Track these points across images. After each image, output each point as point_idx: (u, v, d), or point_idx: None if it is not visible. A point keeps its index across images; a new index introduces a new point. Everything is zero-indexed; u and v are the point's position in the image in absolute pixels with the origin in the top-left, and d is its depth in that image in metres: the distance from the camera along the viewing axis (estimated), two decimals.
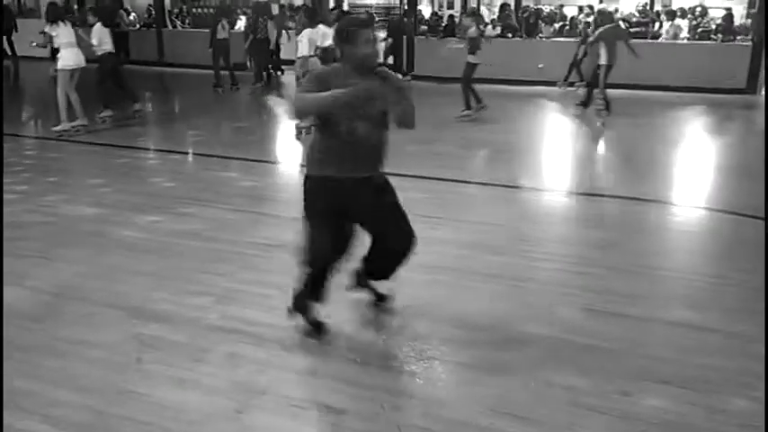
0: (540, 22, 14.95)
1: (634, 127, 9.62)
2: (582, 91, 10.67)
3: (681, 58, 12.45)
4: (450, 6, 20.04)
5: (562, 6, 17.27)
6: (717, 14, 15.27)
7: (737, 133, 10.13)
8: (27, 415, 2.74)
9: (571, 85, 12.39)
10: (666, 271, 4.39)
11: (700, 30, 14.21)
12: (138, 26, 17.83)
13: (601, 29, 9.98)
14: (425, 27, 15.48)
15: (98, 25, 8.86)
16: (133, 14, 18.15)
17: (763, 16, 12.46)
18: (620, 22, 11.07)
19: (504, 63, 11.99)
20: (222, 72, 12.42)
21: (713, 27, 14.18)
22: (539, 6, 17.76)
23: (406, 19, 14.81)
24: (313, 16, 9.23)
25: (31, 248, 4.57)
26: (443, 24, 15.45)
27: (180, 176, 6.66)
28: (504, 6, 15.75)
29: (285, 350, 3.26)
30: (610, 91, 9.62)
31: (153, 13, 17.70)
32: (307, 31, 8.76)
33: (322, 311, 3.44)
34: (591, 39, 10.22)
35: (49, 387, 2.94)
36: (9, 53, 16.07)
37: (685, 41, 13.74)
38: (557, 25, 14.78)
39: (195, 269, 4.24)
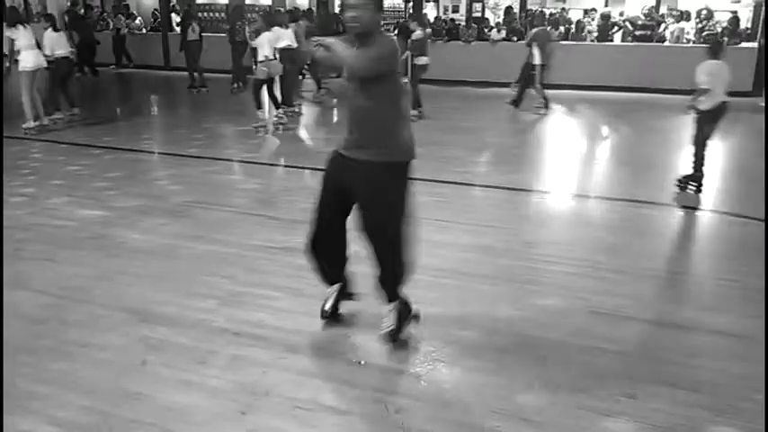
0: (546, 24, 14.96)
1: (637, 130, 9.60)
2: (515, 90, 11.08)
3: (686, 62, 12.39)
4: (456, 10, 20.05)
5: (563, 9, 17.25)
6: (723, 17, 15.25)
7: (742, 136, 10.09)
8: (33, 417, 2.75)
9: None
10: (672, 274, 4.39)
11: (705, 33, 14.17)
12: (144, 30, 17.92)
13: (533, 31, 10.70)
14: (430, 30, 15.50)
15: (48, 31, 9.12)
16: (139, 19, 18.23)
17: (764, 17, 12.45)
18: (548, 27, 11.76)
19: (509, 66, 11.95)
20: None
21: (719, 30, 14.14)
22: (543, 10, 17.76)
23: (413, 22, 14.82)
24: (271, 20, 9.62)
25: (37, 251, 4.60)
26: (447, 28, 15.47)
27: (184, 179, 6.67)
28: (508, 10, 15.77)
29: (290, 352, 3.26)
30: (613, 94, 9.62)
31: (159, 17, 17.79)
32: (265, 35, 9.05)
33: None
34: (525, 40, 10.89)
35: (55, 389, 2.95)
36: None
37: (690, 44, 13.71)
38: (562, 28, 14.76)
39: (200, 272, 4.25)
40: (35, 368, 3.13)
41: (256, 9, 16.51)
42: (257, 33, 9.30)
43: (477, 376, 3.11)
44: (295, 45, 10.14)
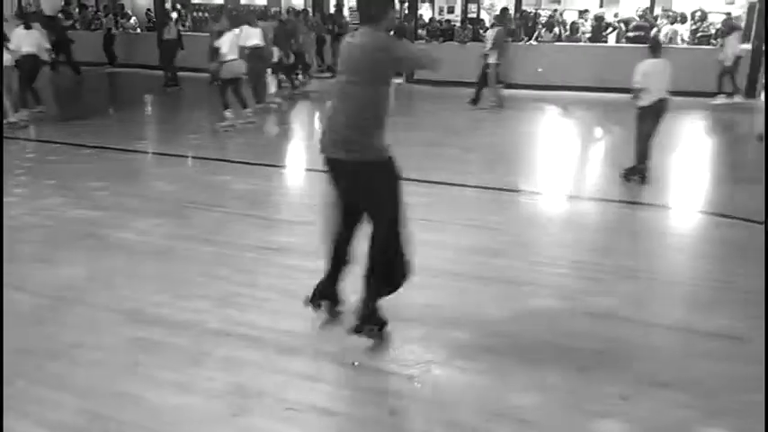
0: (538, 25, 15.02)
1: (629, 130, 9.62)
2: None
3: (680, 63, 12.42)
4: (451, 11, 20.07)
5: (556, 11, 17.29)
6: (716, 19, 15.29)
7: (735, 138, 10.13)
8: (26, 420, 2.74)
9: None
10: (665, 275, 4.39)
11: (699, 34, 14.23)
12: (138, 30, 17.89)
13: (494, 30, 11.28)
14: (425, 31, 15.53)
15: (19, 28, 9.32)
16: (134, 18, 18.20)
17: (763, 19, 12.47)
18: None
19: (504, 67, 11.96)
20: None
21: (712, 32, 14.19)
22: (538, 10, 17.80)
23: (406, 23, 14.84)
24: (236, 20, 9.79)
25: (31, 252, 4.58)
26: (442, 29, 15.52)
27: (179, 179, 6.66)
28: (504, 11, 15.79)
29: (282, 353, 3.26)
30: (605, 95, 9.63)
31: (153, 17, 17.76)
32: (228, 35, 9.04)
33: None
34: (488, 42, 11.23)
35: (48, 391, 2.94)
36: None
37: (684, 46, 13.76)
38: (556, 30, 14.80)
39: (194, 272, 4.24)
40: (28, 368, 3.11)
41: (231, 9, 16.61)
42: (219, 34, 9.33)
43: (470, 377, 3.11)
44: (262, 44, 10.24)
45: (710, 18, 15.27)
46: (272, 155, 8.24)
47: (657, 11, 15.61)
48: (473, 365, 3.20)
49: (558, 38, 14.71)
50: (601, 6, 18.11)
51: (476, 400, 2.91)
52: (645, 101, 6.24)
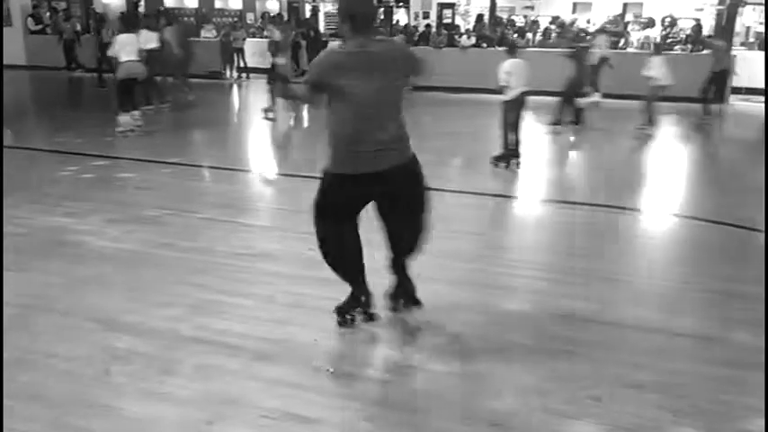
0: (508, 30, 15.22)
1: (608, 137, 9.76)
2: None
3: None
4: (426, 16, 20.19)
5: (526, 17, 17.52)
6: (686, 25, 15.59)
7: (706, 141, 10.33)
8: None
9: None
10: (638, 277, 4.46)
11: (669, 40, 14.49)
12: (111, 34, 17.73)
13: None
14: (402, 36, 15.59)
15: None
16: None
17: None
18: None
19: (479, 72, 12.05)
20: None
21: (682, 37, 14.47)
22: (512, 17, 18.00)
23: (381, 28, 14.92)
24: (129, 22, 9.87)
25: (3, 260, 4.49)
26: (419, 33, 15.61)
27: (153, 185, 6.59)
28: (480, 17, 15.96)
29: (257, 360, 3.24)
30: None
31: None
32: (120, 37, 9.06)
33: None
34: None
35: (18, 402, 2.89)
36: None
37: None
38: (530, 35, 14.99)
39: (167, 280, 4.21)
40: None
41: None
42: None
43: (446, 381, 3.12)
44: (160, 47, 10.43)
45: (680, 24, 15.57)
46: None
47: (629, 17, 15.88)
48: (448, 369, 3.21)
49: (531, 44, 14.90)
50: (573, 12, 18.38)
51: (450, 404, 2.92)
52: (509, 96, 7.06)
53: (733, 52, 12.05)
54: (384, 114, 3.14)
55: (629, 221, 5.80)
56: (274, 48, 10.86)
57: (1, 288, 3.80)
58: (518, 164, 7.32)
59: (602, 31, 12.53)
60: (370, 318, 3.57)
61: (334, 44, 3.31)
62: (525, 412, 2.87)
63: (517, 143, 7.29)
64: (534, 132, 8.53)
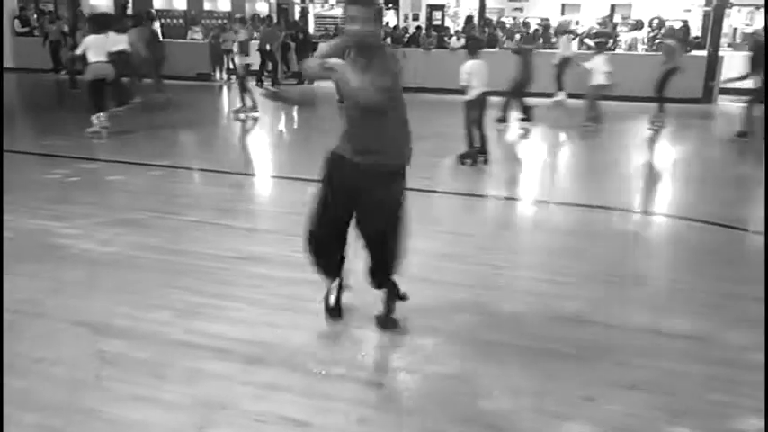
0: (497, 32, 15.28)
1: (595, 137, 9.80)
2: None
3: (638, 69, 12.74)
4: (416, 18, 20.23)
5: (515, 19, 17.61)
6: (674, 26, 15.68)
7: (695, 142, 10.40)
8: None
9: None
10: (631, 277, 4.46)
11: (657, 41, 14.58)
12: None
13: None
14: (390, 39, 15.61)
15: None
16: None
17: (719, 27, 12.87)
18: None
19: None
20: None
21: None
22: (501, 19, 18.07)
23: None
24: (97, 24, 9.71)
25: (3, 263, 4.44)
26: (408, 35, 15.63)
27: (140, 187, 6.55)
28: (469, 19, 16.00)
29: (248, 364, 3.21)
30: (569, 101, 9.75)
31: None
32: (87, 39, 9.06)
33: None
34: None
35: (7, 406, 2.84)
36: None
37: (642, 52, 14.07)
38: (517, 37, 15.06)
39: (157, 283, 4.17)
40: None
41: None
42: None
43: (439, 383, 3.11)
44: (129, 49, 10.44)
45: (668, 25, 15.66)
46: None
47: (617, 18, 15.97)
48: (441, 371, 3.20)
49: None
50: (562, 14, 18.48)
51: (444, 406, 2.91)
52: (470, 95, 7.28)
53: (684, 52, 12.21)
54: (375, 114, 3.13)
55: (623, 221, 5.82)
56: (239, 48, 10.97)
57: (1, 292, 3.75)
58: (485, 161, 7.57)
59: (562, 32, 12.64)
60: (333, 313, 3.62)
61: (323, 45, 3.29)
62: (519, 413, 2.86)
63: (483, 141, 7.55)
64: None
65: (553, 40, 14.42)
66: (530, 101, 10.37)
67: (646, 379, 3.13)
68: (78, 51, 9.00)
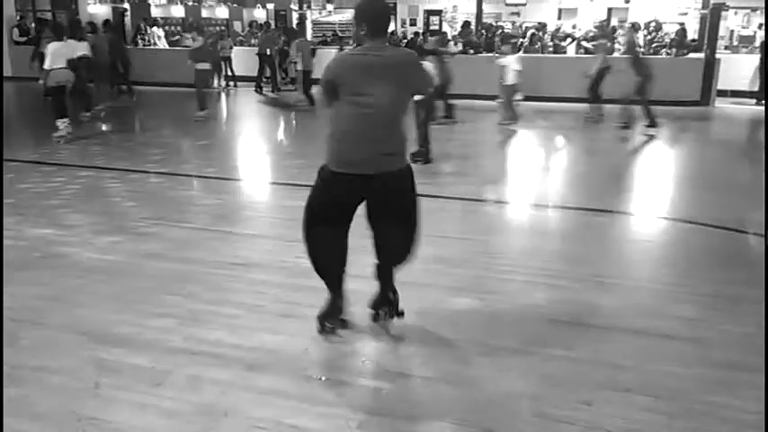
0: (495, 37, 15.32)
1: (591, 140, 9.82)
2: None
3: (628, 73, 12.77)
4: (413, 23, 20.29)
5: (513, 23, 17.66)
6: (670, 29, 15.74)
7: (694, 144, 10.42)
8: None
9: None
10: (628, 281, 4.47)
11: (654, 44, 14.63)
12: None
13: (296, 41, 12.17)
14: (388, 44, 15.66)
15: None
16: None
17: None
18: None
19: (465, 78, 12.11)
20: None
21: (667, 41, 14.60)
22: (499, 24, 18.12)
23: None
24: (56, 31, 9.84)
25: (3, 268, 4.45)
26: (406, 41, 15.67)
27: (140, 195, 6.56)
28: (466, 24, 16.05)
29: (249, 370, 3.22)
30: (569, 105, 9.79)
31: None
32: (49, 46, 9.16)
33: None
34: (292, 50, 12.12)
35: (6, 416, 2.84)
36: None
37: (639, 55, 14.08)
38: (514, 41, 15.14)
39: (157, 290, 4.18)
40: None
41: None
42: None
43: (437, 387, 3.11)
44: (90, 55, 10.52)
45: (665, 28, 15.71)
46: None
47: (614, 22, 16.02)
48: (440, 375, 3.21)
49: (518, 50, 14.97)
50: (559, 19, 18.54)
51: (442, 410, 2.92)
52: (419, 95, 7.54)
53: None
54: (386, 120, 3.18)
55: (621, 225, 5.83)
56: (196, 55, 11.21)
57: (1, 300, 3.76)
58: (427, 160, 7.80)
59: (507, 39, 12.65)
60: (343, 324, 3.60)
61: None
62: (517, 417, 2.87)
63: (428, 139, 7.86)
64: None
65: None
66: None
67: (644, 382, 3.14)
68: (47, 60, 9.02)
